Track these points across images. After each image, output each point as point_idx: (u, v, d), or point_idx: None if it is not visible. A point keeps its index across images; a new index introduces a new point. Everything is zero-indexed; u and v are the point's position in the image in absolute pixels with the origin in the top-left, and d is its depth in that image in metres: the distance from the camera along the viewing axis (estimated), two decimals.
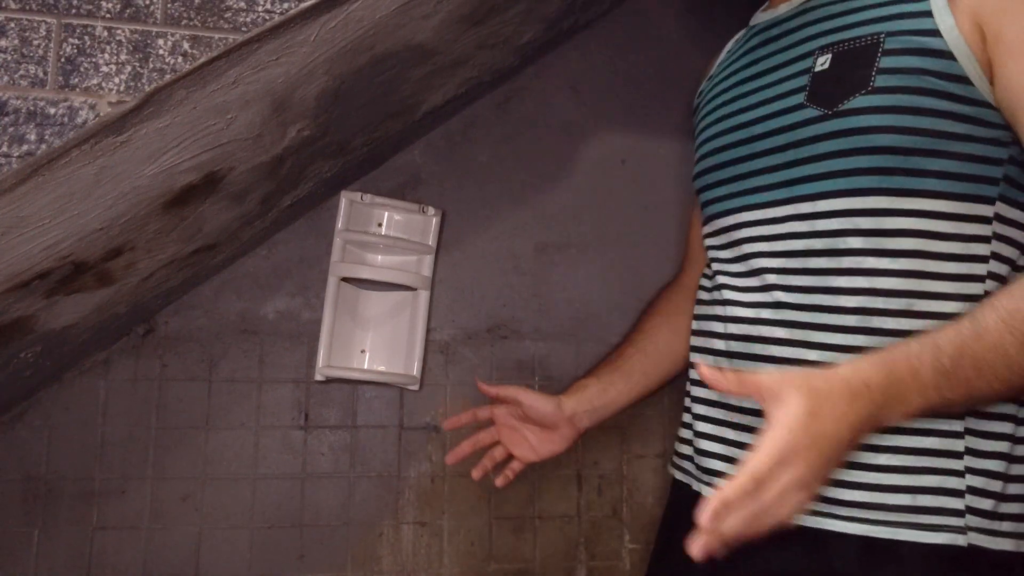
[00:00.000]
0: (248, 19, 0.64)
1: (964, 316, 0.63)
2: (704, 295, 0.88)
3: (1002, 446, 0.68)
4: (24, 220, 0.63)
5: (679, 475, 0.90)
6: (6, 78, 0.60)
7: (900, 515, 0.67)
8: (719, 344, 0.82)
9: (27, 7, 0.61)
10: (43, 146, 0.59)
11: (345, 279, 1.07)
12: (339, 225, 1.06)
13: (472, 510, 1.09)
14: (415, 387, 1.08)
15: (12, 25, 0.60)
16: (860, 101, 0.69)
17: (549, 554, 1.11)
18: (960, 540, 0.66)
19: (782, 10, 0.82)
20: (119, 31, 0.62)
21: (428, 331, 1.10)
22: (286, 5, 0.65)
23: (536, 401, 0.94)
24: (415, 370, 1.07)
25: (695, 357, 0.87)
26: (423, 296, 1.08)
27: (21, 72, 0.60)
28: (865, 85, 0.69)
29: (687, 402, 0.89)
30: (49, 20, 0.61)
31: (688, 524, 0.86)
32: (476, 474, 0.98)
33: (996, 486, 0.67)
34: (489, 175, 1.14)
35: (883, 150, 0.68)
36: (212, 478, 1.03)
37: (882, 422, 0.63)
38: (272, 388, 1.06)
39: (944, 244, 0.68)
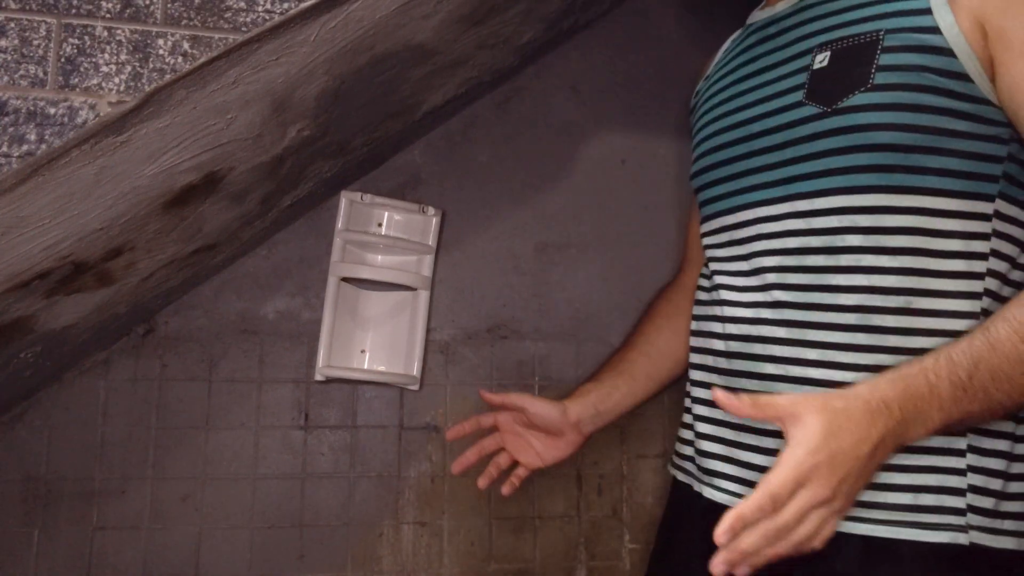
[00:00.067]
0: (248, 19, 0.64)
1: (976, 329, 0.63)
2: (702, 295, 0.88)
3: (1003, 444, 0.68)
4: (24, 220, 0.63)
5: (680, 475, 0.90)
6: (6, 78, 0.60)
7: (902, 514, 0.67)
8: (718, 344, 0.82)
9: (27, 7, 0.61)
10: (43, 146, 0.59)
11: (345, 279, 1.07)
12: (339, 225, 1.06)
13: (472, 510, 1.09)
14: (415, 387, 1.08)
15: (12, 25, 0.60)
16: (860, 98, 0.69)
17: (549, 554, 1.10)
18: (962, 539, 0.66)
19: (780, 8, 0.82)
20: (119, 31, 0.62)
21: (428, 331, 1.10)
22: (286, 5, 0.65)
23: (541, 408, 0.93)
24: (415, 370, 1.07)
25: (694, 357, 0.87)
26: (423, 296, 1.08)
27: (21, 72, 0.60)
28: (864, 82, 0.69)
29: (687, 402, 0.89)
30: (49, 20, 0.61)
31: (688, 525, 0.87)
32: (482, 483, 0.97)
33: (997, 484, 0.67)
34: (489, 175, 1.14)
35: (882, 147, 0.68)
36: (212, 478, 1.03)
37: (904, 439, 0.63)
38: (272, 388, 1.06)
39: (944, 242, 0.68)
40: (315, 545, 1.04)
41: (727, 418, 0.79)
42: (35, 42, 0.61)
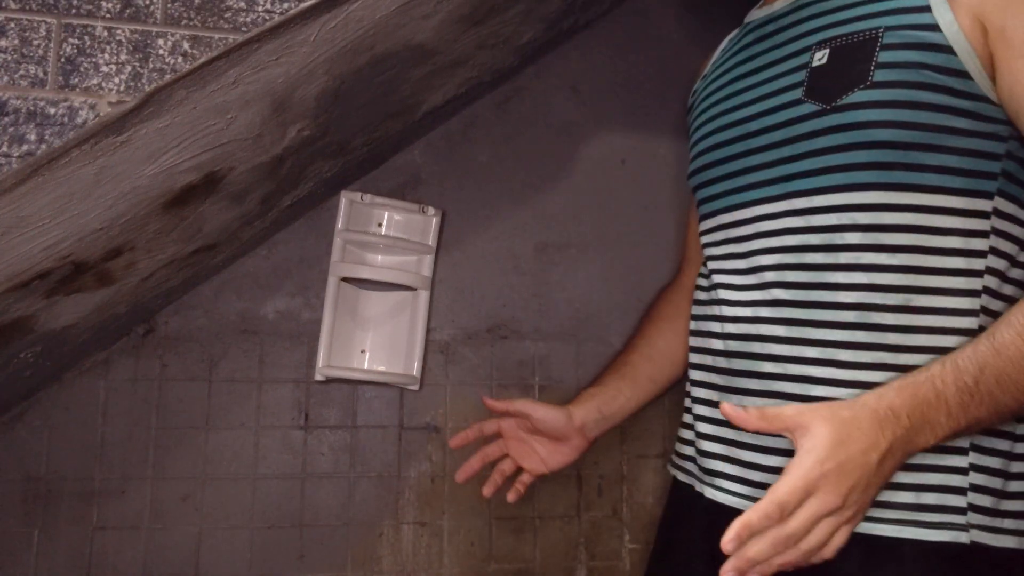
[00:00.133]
0: (248, 19, 0.64)
1: (980, 336, 0.64)
2: (701, 295, 0.88)
3: (1003, 443, 0.68)
4: (24, 220, 0.63)
5: (680, 475, 0.89)
6: (6, 78, 0.60)
7: (903, 513, 0.67)
8: (717, 344, 0.82)
9: (27, 7, 0.61)
10: (43, 146, 0.59)
11: (345, 279, 1.07)
12: (339, 225, 1.06)
13: (472, 510, 1.09)
14: (415, 387, 1.08)
15: (12, 25, 0.60)
16: (859, 96, 0.69)
17: (549, 554, 1.10)
18: (963, 538, 0.66)
19: (778, 6, 0.82)
20: (119, 31, 0.62)
21: (428, 331, 1.10)
22: (286, 5, 0.65)
23: (546, 414, 0.93)
24: (415, 370, 1.07)
25: (694, 357, 0.87)
26: (423, 296, 1.08)
27: (21, 72, 0.60)
28: (864, 80, 0.69)
29: (688, 402, 0.89)
30: (49, 20, 0.61)
31: (689, 525, 0.86)
32: (487, 491, 0.97)
33: (997, 483, 0.67)
34: (489, 175, 1.14)
35: (882, 145, 0.68)
36: (212, 478, 1.03)
37: (913, 447, 0.63)
38: (272, 388, 1.06)
39: (943, 239, 0.68)
40: (315, 545, 1.04)
41: None
42: (35, 42, 0.61)
